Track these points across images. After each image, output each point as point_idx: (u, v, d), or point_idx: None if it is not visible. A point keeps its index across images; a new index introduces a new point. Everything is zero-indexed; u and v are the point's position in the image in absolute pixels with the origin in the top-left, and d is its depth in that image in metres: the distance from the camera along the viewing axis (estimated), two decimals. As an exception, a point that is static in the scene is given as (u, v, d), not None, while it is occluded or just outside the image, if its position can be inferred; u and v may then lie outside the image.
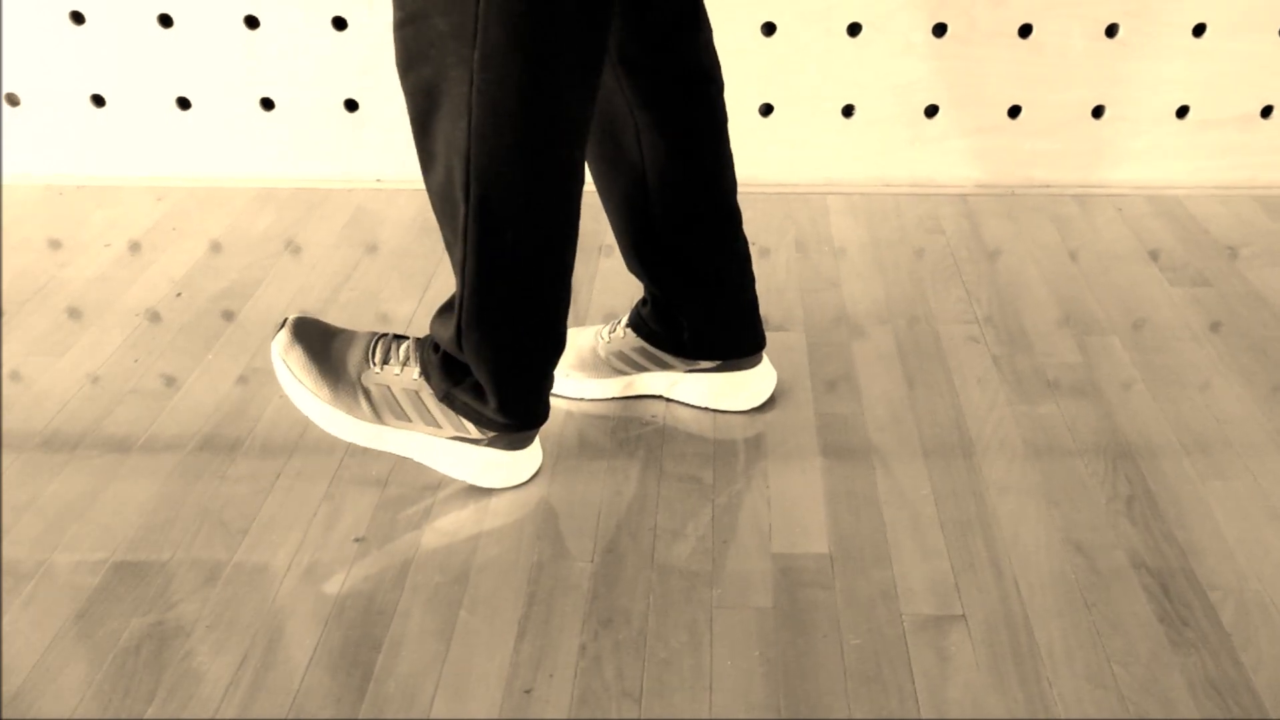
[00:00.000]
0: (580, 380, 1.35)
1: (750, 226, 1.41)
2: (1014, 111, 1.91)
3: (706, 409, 1.34)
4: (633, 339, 1.32)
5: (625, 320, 1.34)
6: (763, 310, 1.51)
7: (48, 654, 1.01)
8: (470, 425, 1.14)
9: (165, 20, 1.83)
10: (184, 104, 1.91)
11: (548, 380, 1.15)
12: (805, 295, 1.61)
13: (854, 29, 1.84)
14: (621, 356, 1.33)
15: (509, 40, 0.92)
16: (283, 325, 1.16)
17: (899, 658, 1.00)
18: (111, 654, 1.01)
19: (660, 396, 1.36)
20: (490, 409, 1.12)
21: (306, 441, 1.29)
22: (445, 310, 1.10)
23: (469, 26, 0.91)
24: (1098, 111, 1.91)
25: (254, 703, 0.96)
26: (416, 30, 0.94)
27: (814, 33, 1.83)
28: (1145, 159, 1.93)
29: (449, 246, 1.05)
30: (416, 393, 1.13)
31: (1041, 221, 1.84)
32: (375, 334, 1.18)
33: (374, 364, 1.14)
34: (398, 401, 1.14)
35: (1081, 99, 1.89)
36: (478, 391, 1.12)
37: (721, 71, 1.19)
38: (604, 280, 1.66)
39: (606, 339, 1.34)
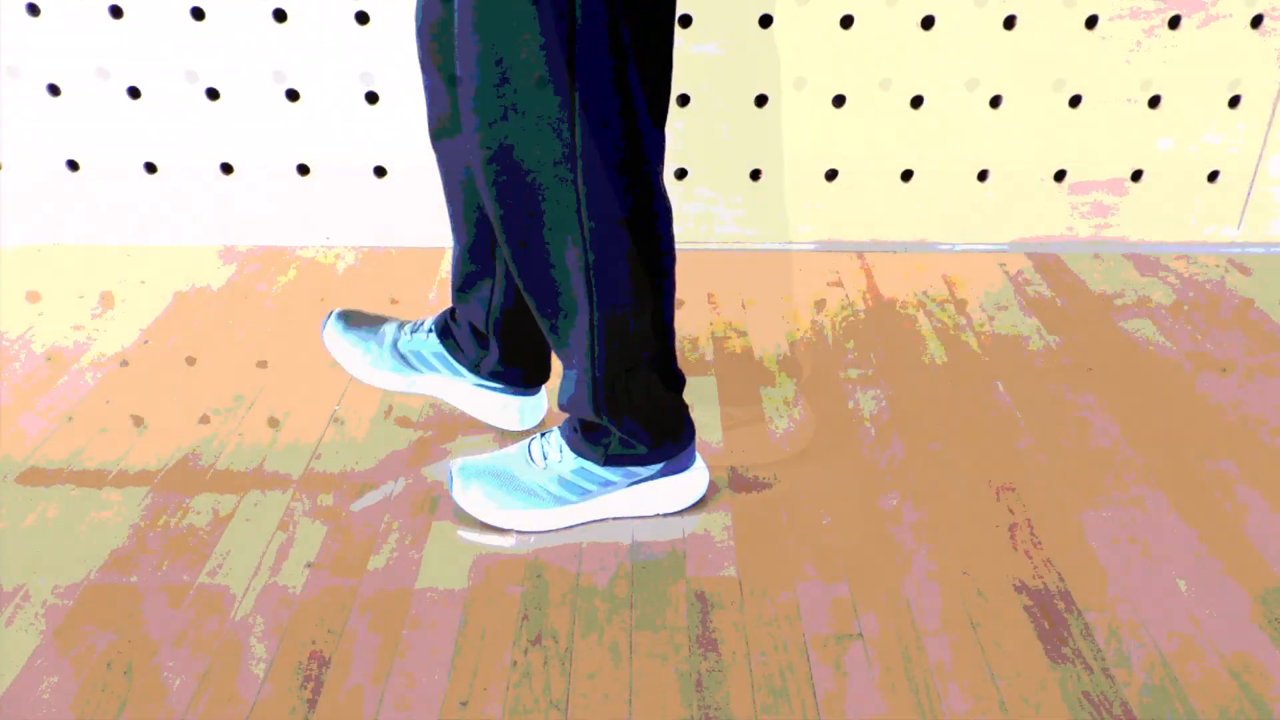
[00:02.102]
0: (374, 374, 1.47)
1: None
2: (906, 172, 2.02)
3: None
4: (435, 343, 1.44)
5: (429, 323, 1.46)
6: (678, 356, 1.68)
7: (27, 669, 1.10)
8: (637, 469, 1.30)
9: (134, 92, 1.97)
10: (151, 169, 2.01)
11: (682, 408, 1.31)
12: (716, 342, 1.75)
13: (760, 100, 1.97)
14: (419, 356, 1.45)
15: (604, 156, 1.04)
16: (450, 478, 1.33)
17: (802, 673, 1.10)
18: (86, 669, 1.10)
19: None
20: (643, 450, 1.28)
21: (263, 476, 1.40)
22: (570, 392, 1.24)
23: (568, 151, 1.03)
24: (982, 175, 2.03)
25: (214, 715, 1.05)
26: (509, 162, 1.04)
27: (726, 103, 1.97)
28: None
29: (557, 333, 1.19)
30: (582, 468, 1.29)
31: (931, 276, 1.98)
32: (527, 441, 1.35)
33: (540, 465, 1.30)
34: (574, 483, 1.30)
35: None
36: (627, 442, 1.28)
37: None
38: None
39: (409, 336, 1.46)
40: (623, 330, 1.14)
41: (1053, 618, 1.16)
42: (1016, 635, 1.13)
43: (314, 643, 1.12)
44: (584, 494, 1.30)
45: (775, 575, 1.23)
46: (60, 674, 1.08)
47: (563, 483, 1.29)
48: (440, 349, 1.42)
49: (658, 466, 1.30)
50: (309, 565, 1.24)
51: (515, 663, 1.09)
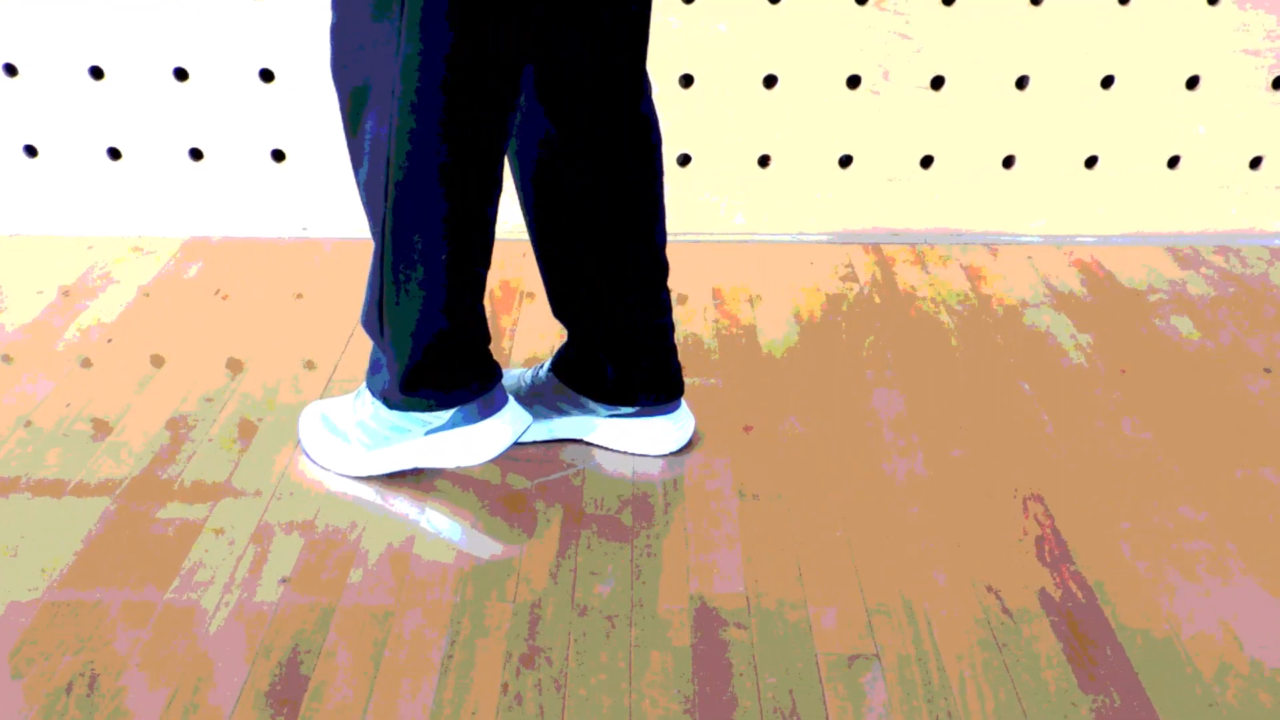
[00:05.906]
0: None
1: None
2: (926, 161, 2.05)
3: (626, 453, 1.47)
4: (554, 382, 1.46)
5: (548, 364, 1.48)
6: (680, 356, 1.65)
7: (-19, 691, 1.12)
8: (429, 416, 1.33)
9: (96, 72, 1.99)
10: (115, 154, 2.01)
11: (474, 352, 1.32)
12: (722, 341, 1.76)
13: (769, 81, 1.98)
14: (543, 399, 1.46)
15: (427, 52, 1.08)
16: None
17: (814, 696, 1.11)
18: (44, 692, 1.10)
19: (580, 440, 1.49)
20: (429, 401, 1.32)
21: (234, 484, 1.41)
22: (371, 308, 1.27)
23: (393, 34, 1.08)
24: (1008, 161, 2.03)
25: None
26: (348, 34, 1.12)
27: (732, 85, 1.99)
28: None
29: (373, 235, 1.23)
30: (377, 413, 1.35)
31: (953, 270, 1.99)
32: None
33: (352, 409, 1.37)
34: (372, 428, 1.35)
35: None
36: (408, 387, 1.31)
37: (659, 128, 1.34)
38: (527, 324, 1.80)
39: (529, 381, 1.48)
40: (412, 250, 1.18)
41: (1084, 637, 1.16)
42: (1045, 656, 1.14)
43: (290, 663, 1.12)
44: (383, 440, 1.35)
45: (785, 591, 1.23)
46: (15, 698, 1.07)
47: (363, 427, 1.35)
48: (561, 386, 1.45)
49: (448, 414, 1.32)
50: (284, 580, 1.24)
51: (506, 685, 1.09)
